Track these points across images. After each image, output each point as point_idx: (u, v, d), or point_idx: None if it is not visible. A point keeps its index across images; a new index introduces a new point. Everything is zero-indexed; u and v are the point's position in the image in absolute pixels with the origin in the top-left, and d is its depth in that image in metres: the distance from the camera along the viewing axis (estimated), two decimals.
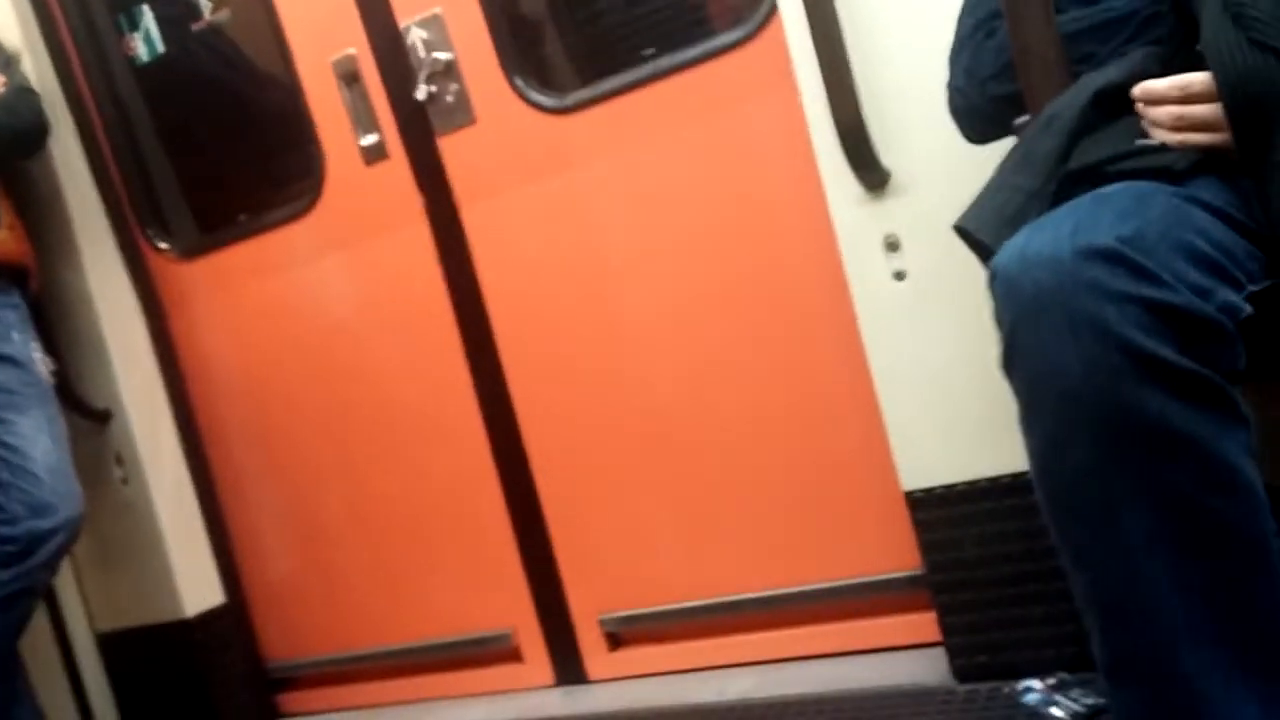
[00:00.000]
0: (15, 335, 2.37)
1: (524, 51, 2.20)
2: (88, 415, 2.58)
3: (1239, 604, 0.99)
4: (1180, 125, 1.10)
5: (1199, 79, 1.07)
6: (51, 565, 2.32)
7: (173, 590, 2.61)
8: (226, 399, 2.68)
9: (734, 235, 2.01)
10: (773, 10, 1.82)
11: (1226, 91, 1.05)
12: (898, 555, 1.91)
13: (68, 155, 2.59)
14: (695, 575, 2.17)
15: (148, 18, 2.59)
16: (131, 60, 2.64)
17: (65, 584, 2.71)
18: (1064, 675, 1.67)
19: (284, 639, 2.73)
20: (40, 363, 2.40)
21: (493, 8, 2.16)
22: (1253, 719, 0.98)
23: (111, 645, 2.74)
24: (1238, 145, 1.07)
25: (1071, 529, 1.04)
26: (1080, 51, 1.22)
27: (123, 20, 2.63)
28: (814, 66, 1.67)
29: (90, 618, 2.77)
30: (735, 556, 2.12)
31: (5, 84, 2.38)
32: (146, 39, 2.61)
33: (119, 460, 2.62)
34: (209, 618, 2.64)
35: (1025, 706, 1.64)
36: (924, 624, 1.88)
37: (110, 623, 2.74)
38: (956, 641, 1.78)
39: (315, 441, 2.58)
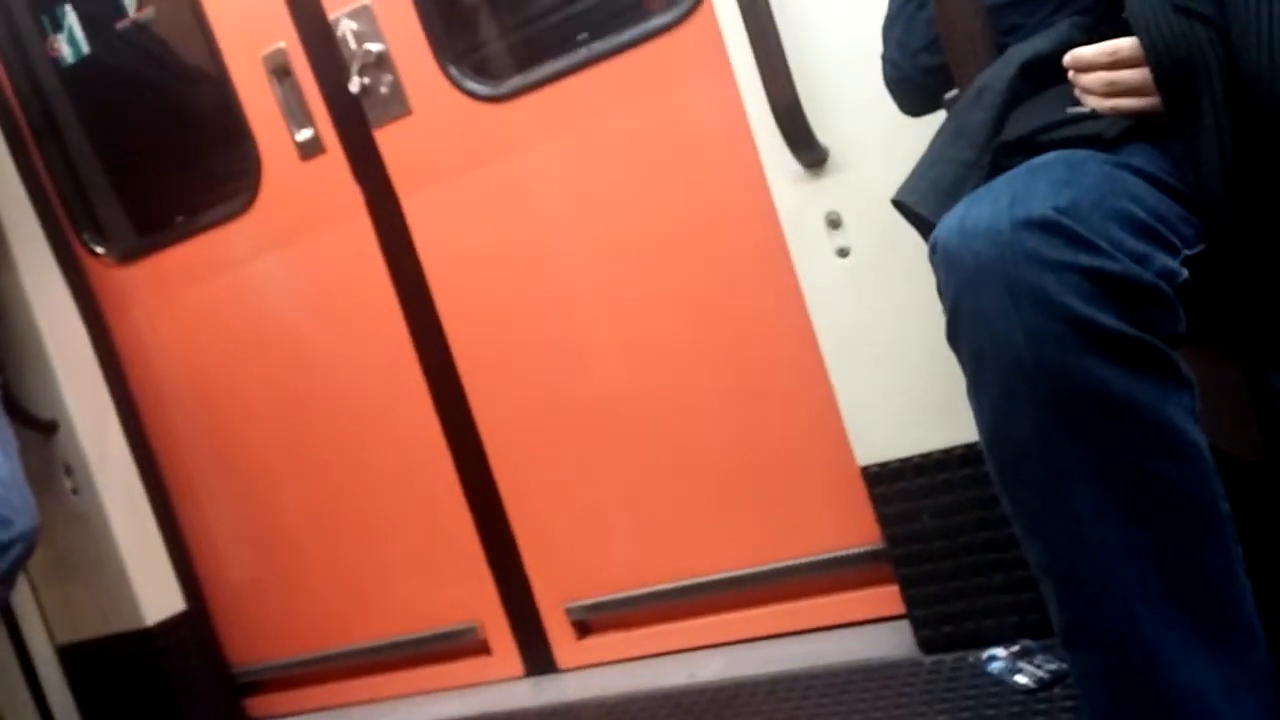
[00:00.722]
0: None
1: (456, 40, 2.17)
2: (34, 426, 2.54)
3: (1190, 566, 1.00)
4: (1111, 91, 1.10)
5: (1126, 44, 1.08)
6: (9, 579, 2.28)
7: (132, 599, 2.58)
8: (174, 402, 2.64)
9: (676, 218, 2.00)
10: None
11: (1153, 57, 1.05)
12: (858, 531, 1.92)
13: None
14: (658, 559, 2.17)
15: (71, 17, 2.53)
16: (57, 62, 2.57)
17: (23, 598, 2.67)
18: (1027, 642, 1.69)
19: (248, 643, 2.70)
20: None
21: None
22: (1209, 679, 0.99)
23: (73, 657, 2.71)
24: (1167, 109, 1.07)
25: (1022, 498, 1.04)
26: (1006, 23, 1.23)
27: (45, 21, 2.56)
28: (747, 47, 1.66)
29: (50, 631, 2.73)
30: (697, 539, 2.12)
31: None
32: (71, 39, 2.54)
33: (68, 470, 2.58)
34: (170, 625, 2.62)
35: (990, 675, 1.65)
36: (887, 598, 1.90)
37: (70, 635, 2.71)
38: (920, 614, 1.79)
39: (268, 441, 2.55)
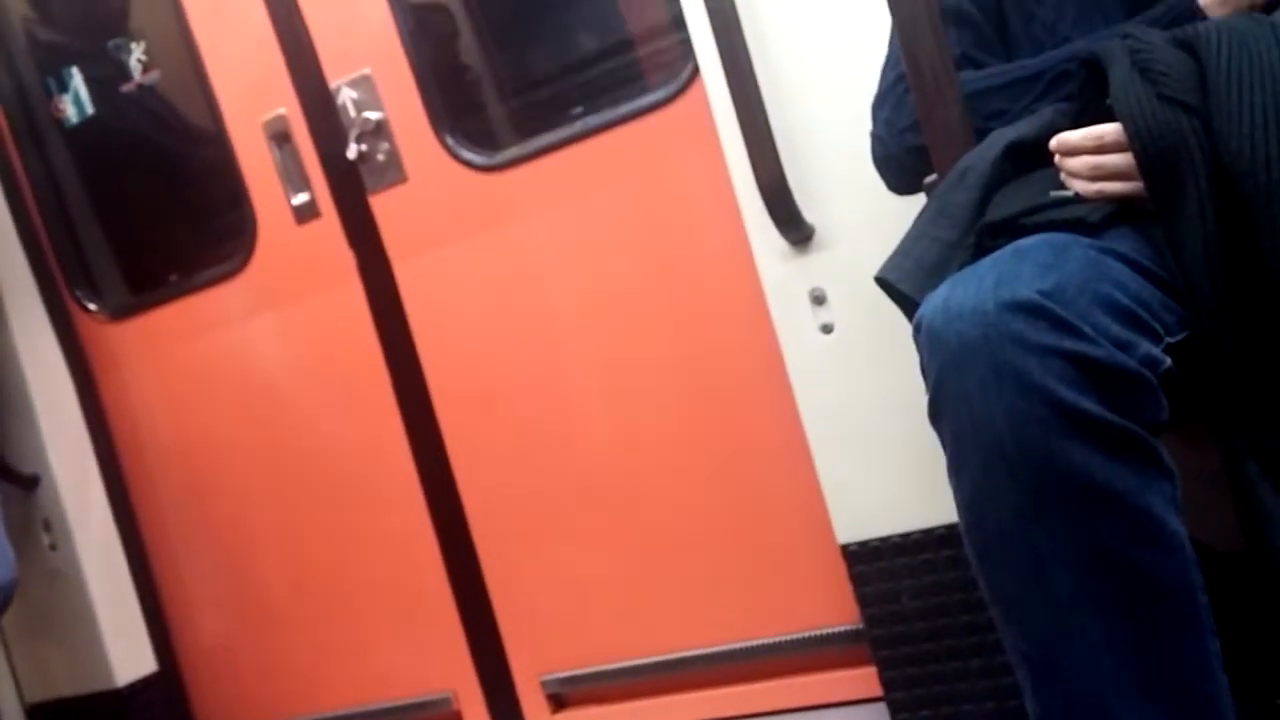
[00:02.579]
0: None
1: (453, 110, 2.20)
2: (15, 481, 2.53)
3: (1167, 659, 0.98)
4: (1096, 175, 1.11)
5: (1111, 129, 1.09)
6: None
7: (104, 659, 2.55)
8: (158, 462, 2.63)
9: (664, 290, 2.02)
10: (696, 70, 1.84)
11: (1138, 144, 1.06)
12: (837, 609, 1.90)
13: None
14: (636, 633, 2.15)
15: (77, 79, 2.57)
16: (61, 122, 2.61)
17: None
18: None
19: (219, 707, 2.66)
20: None
21: (422, 68, 2.16)
22: None
23: (42, 716, 2.66)
24: (1151, 194, 1.08)
25: (1000, 583, 1.03)
26: (991, 108, 1.24)
27: (51, 82, 2.60)
28: (735, 125, 1.68)
29: (20, 688, 2.70)
30: (675, 614, 2.10)
31: None
32: (76, 101, 2.58)
33: (47, 526, 2.56)
34: (141, 686, 2.58)
35: None
36: (865, 679, 1.87)
37: (41, 693, 2.67)
38: (898, 696, 1.76)
39: (250, 504, 2.53)
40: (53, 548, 2.56)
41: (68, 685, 2.60)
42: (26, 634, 2.64)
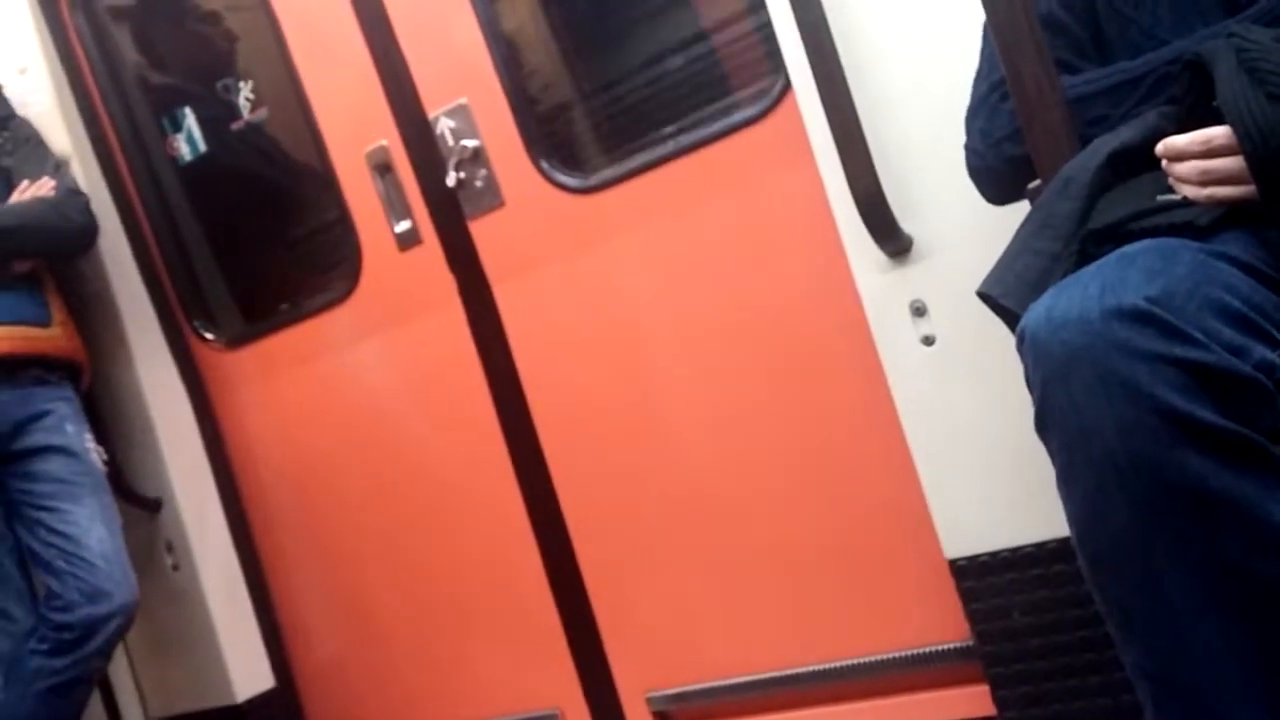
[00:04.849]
0: (69, 427, 2.43)
1: (548, 135, 2.24)
2: (139, 504, 2.63)
3: None
4: (1206, 179, 1.09)
5: (1220, 133, 1.07)
6: (106, 652, 2.36)
7: (224, 675, 2.63)
8: (272, 484, 2.71)
9: (761, 306, 2.01)
10: (788, 85, 1.84)
11: (1248, 146, 1.04)
12: (946, 626, 1.87)
13: (116, 252, 2.68)
14: (741, 650, 2.14)
15: (190, 119, 2.68)
16: (175, 160, 2.73)
17: (119, 670, 2.75)
18: None
19: None
20: (93, 453, 2.46)
21: (517, 96, 2.21)
22: None
23: None
24: (1263, 197, 1.05)
25: (1116, 596, 1.02)
26: (1092, 113, 1.22)
27: (166, 122, 2.72)
28: (829, 139, 1.68)
29: (144, 704, 2.80)
30: (781, 630, 2.09)
31: (55, 187, 2.48)
32: (189, 139, 2.70)
33: (169, 548, 2.66)
34: (259, 702, 2.65)
35: None
36: (978, 697, 1.83)
37: (163, 709, 2.76)
38: (1011, 715, 1.72)
39: (360, 524, 2.60)
40: (175, 568, 2.65)
41: (189, 701, 2.68)
42: (150, 652, 2.74)
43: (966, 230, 1.63)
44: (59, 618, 2.27)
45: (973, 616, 1.74)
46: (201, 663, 2.65)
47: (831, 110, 1.65)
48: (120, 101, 2.72)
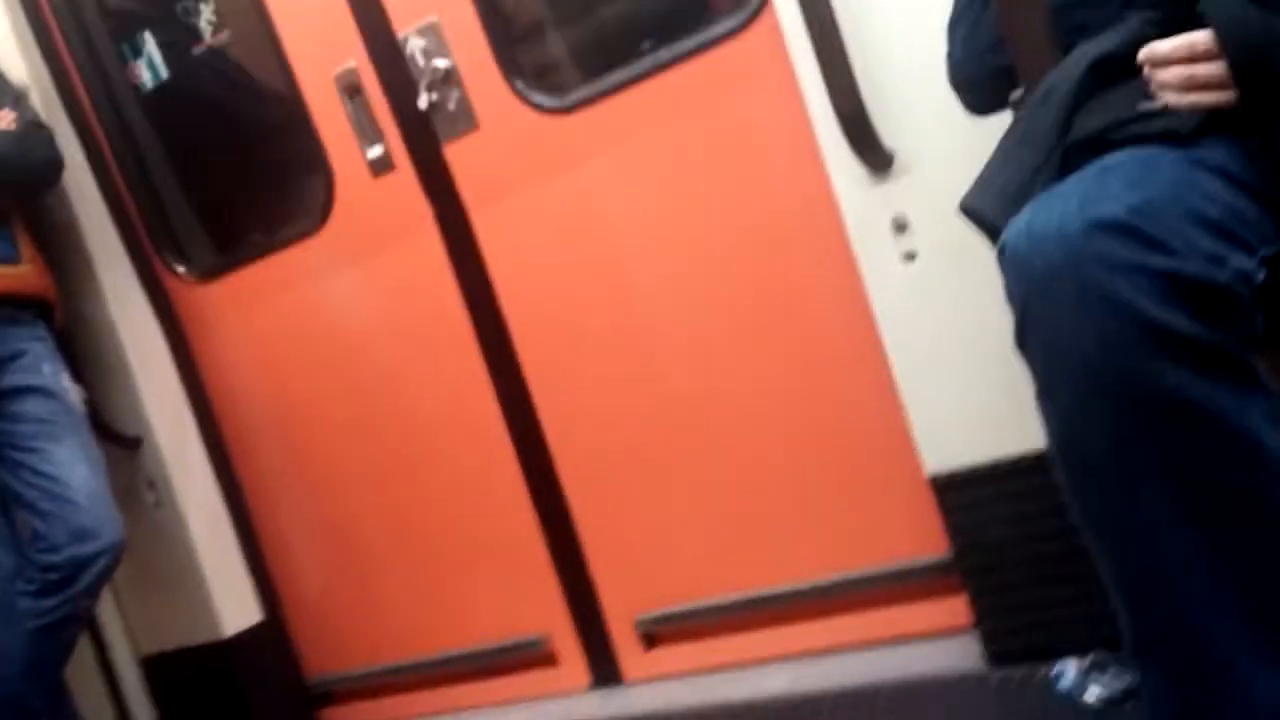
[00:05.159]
0: (46, 367, 2.41)
1: (522, 54, 2.20)
2: (119, 442, 2.61)
3: (1266, 580, 0.97)
4: (1189, 86, 1.07)
5: (1204, 37, 1.05)
6: (94, 591, 2.36)
7: (211, 610, 2.64)
8: (252, 417, 2.70)
9: (742, 224, 2.00)
10: None
11: (1230, 50, 1.03)
12: (926, 540, 1.89)
13: (81, 186, 2.61)
14: (726, 571, 2.16)
15: (150, 44, 2.61)
16: (137, 88, 2.65)
17: (106, 609, 2.74)
18: (1100, 654, 1.64)
19: (322, 653, 2.74)
20: (72, 392, 2.44)
21: (488, 13, 2.15)
22: None
23: (154, 668, 2.78)
24: (1244, 103, 1.04)
25: (1093, 506, 1.03)
26: (1073, 21, 1.20)
27: (125, 48, 2.64)
28: (810, 52, 1.65)
29: (132, 642, 2.81)
30: (764, 550, 2.11)
31: (16, 120, 2.40)
32: (150, 65, 2.62)
33: (151, 485, 2.65)
34: (247, 636, 2.67)
35: (1058, 693, 1.61)
36: (956, 609, 1.86)
37: (152, 646, 2.78)
38: (989, 626, 1.75)
39: (343, 454, 2.59)
40: (157, 506, 2.65)
41: (178, 637, 2.70)
42: (137, 590, 2.74)
43: (948, 145, 1.61)
44: (45, 558, 2.27)
45: (952, 530, 1.76)
46: (188, 599, 2.65)
47: (812, 22, 1.62)
48: (78, 28, 2.63)
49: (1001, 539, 1.71)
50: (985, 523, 1.71)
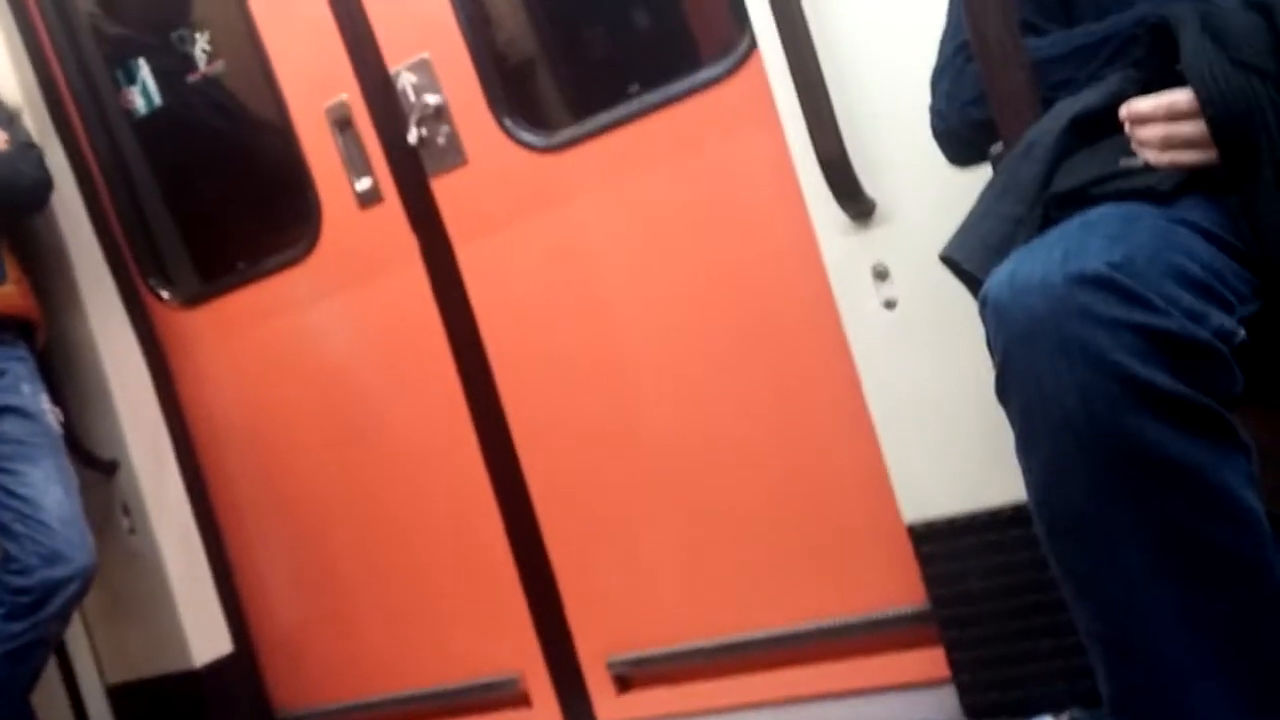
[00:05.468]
0: (25, 387, 2.40)
1: (511, 92, 2.21)
2: (95, 466, 2.60)
3: (1244, 638, 0.96)
4: (1168, 144, 1.08)
5: (1183, 97, 1.06)
6: (64, 615, 2.33)
7: (181, 640, 2.61)
8: (230, 445, 2.69)
9: (725, 267, 2.01)
10: (753, 44, 1.82)
11: (1210, 111, 1.04)
12: (903, 590, 1.88)
13: (70, 209, 2.62)
14: (702, 615, 2.15)
15: (144, 71, 2.62)
16: (130, 113, 2.66)
17: (75, 636, 2.72)
18: (1076, 711, 1.64)
19: (293, 687, 2.71)
20: (50, 414, 2.43)
21: (479, 51, 2.17)
22: None
23: (122, 697, 2.74)
24: (1224, 163, 1.05)
25: (1072, 560, 1.02)
26: (1057, 76, 1.21)
27: (120, 74, 2.65)
28: (794, 99, 1.67)
29: (100, 669, 2.77)
30: (741, 595, 2.10)
31: (8, 141, 2.42)
32: (144, 92, 2.63)
33: (126, 510, 2.63)
34: (217, 667, 2.64)
35: None
36: (932, 660, 1.85)
37: (120, 674, 2.74)
38: (965, 678, 1.74)
39: (320, 486, 2.58)
40: (131, 531, 2.62)
41: (146, 666, 2.67)
42: (107, 616, 2.71)
43: (929, 194, 1.62)
44: (16, 581, 2.25)
45: (929, 581, 1.75)
46: (159, 627, 2.63)
47: (797, 71, 1.64)
48: (73, 52, 2.65)
49: (979, 590, 1.70)
50: (963, 574, 1.71)
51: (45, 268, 2.60)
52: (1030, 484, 1.02)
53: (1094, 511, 0.97)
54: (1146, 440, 0.94)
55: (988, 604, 1.70)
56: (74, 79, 2.65)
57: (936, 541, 1.72)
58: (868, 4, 1.66)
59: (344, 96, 2.31)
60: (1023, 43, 1.21)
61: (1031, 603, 1.66)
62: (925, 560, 1.74)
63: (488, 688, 2.41)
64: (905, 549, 1.77)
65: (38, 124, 2.59)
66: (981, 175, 1.26)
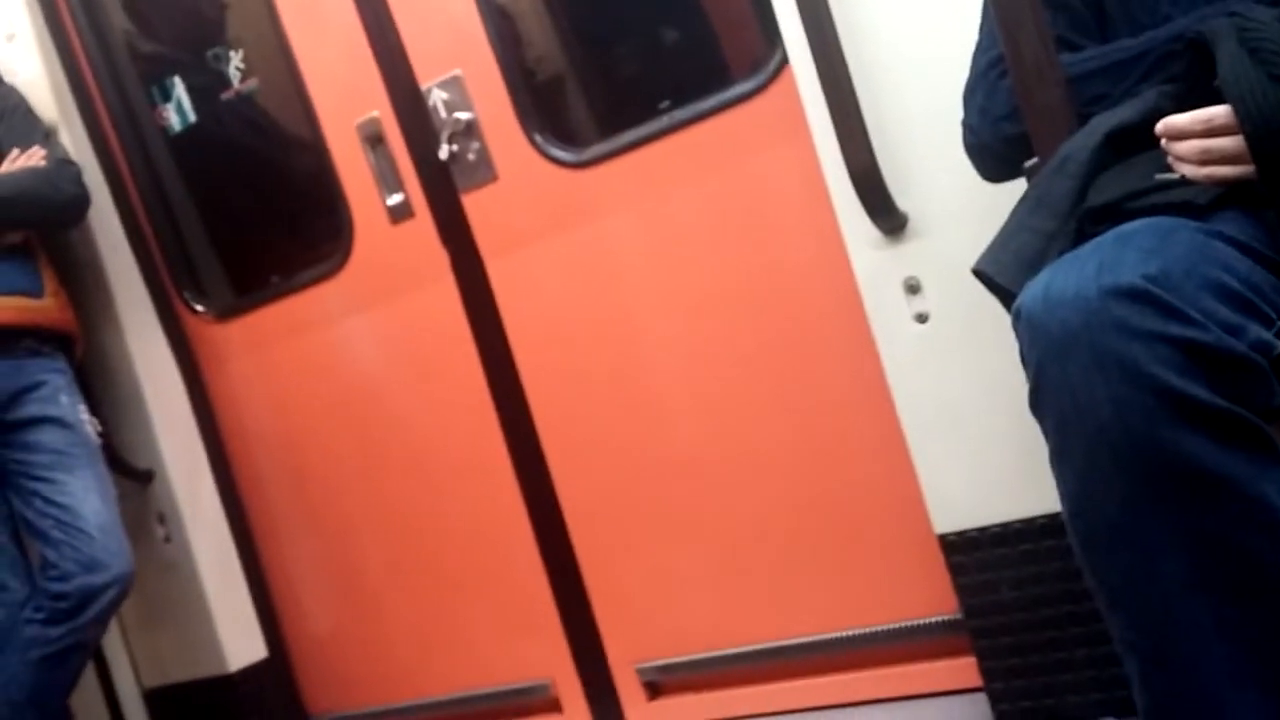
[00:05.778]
0: (64, 398, 2.43)
1: (542, 108, 2.23)
2: (131, 476, 2.63)
3: None
4: (1205, 159, 1.09)
5: (1221, 112, 1.07)
6: (102, 621, 2.37)
7: (216, 645, 2.64)
8: (264, 455, 2.71)
9: (756, 282, 2.02)
10: (784, 61, 1.84)
11: (1249, 126, 1.04)
12: (935, 599, 1.89)
13: (106, 224, 2.65)
14: (732, 622, 2.16)
15: (179, 89, 2.65)
16: (165, 130, 2.70)
17: (112, 641, 2.75)
18: None
19: (326, 691, 2.73)
20: (88, 424, 2.46)
21: (510, 68, 2.19)
22: None
23: (158, 701, 2.77)
24: (1262, 178, 1.06)
25: (1107, 573, 1.02)
26: (1091, 92, 1.22)
27: (155, 92, 2.69)
28: (826, 114, 1.67)
29: (137, 674, 2.80)
30: (772, 603, 2.10)
31: (45, 157, 2.45)
32: (179, 109, 2.67)
33: (161, 519, 2.66)
34: (252, 672, 2.66)
35: None
36: (964, 669, 1.85)
37: (156, 679, 2.77)
38: (997, 687, 1.74)
39: (352, 496, 2.60)
40: (167, 540, 2.65)
41: (182, 671, 2.69)
42: (143, 623, 2.74)
43: (961, 208, 1.63)
44: (55, 587, 2.28)
45: (961, 591, 1.75)
46: (194, 633, 2.65)
47: (828, 86, 1.65)
48: (109, 70, 2.69)
49: (1011, 600, 1.70)
50: (995, 584, 1.71)
51: (82, 282, 2.63)
52: (1065, 495, 1.03)
53: (1129, 523, 0.98)
54: (1183, 452, 0.94)
55: (1020, 614, 1.70)
56: (110, 97, 2.68)
57: (968, 552, 1.72)
58: (900, 19, 1.67)
59: (376, 113, 2.33)
60: (1057, 58, 1.21)
61: (1065, 613, 1.66)
62: (957, 570, 1.74)
63: (518, 693, 2.43)
64: (937, 558, 1.77)
65: (74, 141, 2.62)
66: (1014, 189, 1.27)
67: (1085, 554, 1.03)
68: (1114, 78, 1.22)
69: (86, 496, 2.35)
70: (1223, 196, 1.09)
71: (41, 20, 2.64)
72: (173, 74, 2.66)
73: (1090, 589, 1.04)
